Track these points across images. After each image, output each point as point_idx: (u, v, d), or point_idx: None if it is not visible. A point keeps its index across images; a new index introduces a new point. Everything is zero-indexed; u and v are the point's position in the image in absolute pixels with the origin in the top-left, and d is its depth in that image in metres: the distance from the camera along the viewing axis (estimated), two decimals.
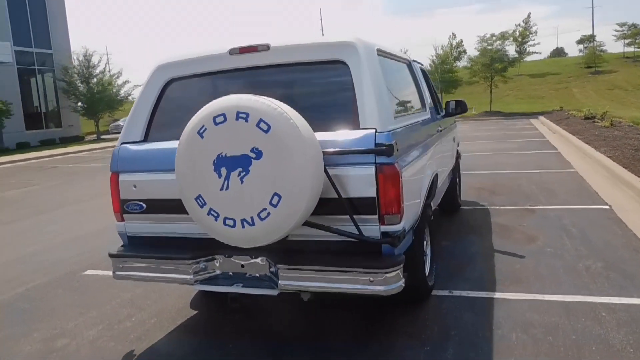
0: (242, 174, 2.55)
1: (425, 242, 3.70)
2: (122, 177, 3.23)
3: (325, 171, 2.63)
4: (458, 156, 6.22)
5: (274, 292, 2.85)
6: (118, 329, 3.58)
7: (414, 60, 4.46)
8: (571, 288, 3.60)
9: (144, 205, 3.17)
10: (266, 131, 2.47)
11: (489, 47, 30.58)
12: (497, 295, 3.59)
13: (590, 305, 3.29)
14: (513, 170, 9.09)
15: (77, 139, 29.59)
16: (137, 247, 3.28)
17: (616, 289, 3.52)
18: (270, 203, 2.51)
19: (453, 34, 36.71)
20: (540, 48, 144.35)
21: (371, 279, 2.64)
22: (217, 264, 3.04)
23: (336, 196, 2.68)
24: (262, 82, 3.20)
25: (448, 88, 37.35)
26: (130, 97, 30.77)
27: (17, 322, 3.82)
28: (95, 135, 30.64)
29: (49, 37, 29.30)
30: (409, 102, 3.83)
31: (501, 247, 4.67)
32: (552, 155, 10.95)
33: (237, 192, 2.57)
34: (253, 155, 2.51)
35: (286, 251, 2.85)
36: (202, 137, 2.61)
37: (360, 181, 2.69)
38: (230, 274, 3.04)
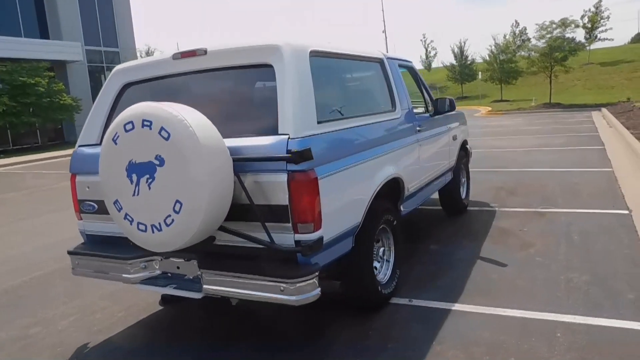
0: (150, 181, 2.55)
1: (382, 248, 3.54)
2: (78, 179, 3.33)
3: (238, 178, 2.57)
4: (464, 155, 5.89)
5: (198, 296, 2.84)
6: (88, 320, 3.72)
7: (391, 59, 4.24)
8: (539, 304, 3.29)
9: (96, 206, 3.26)
10: (167, 139, 2.46)
11: (548, 35, 28.48)
12: (457, 307, 3.36)
13: (549, 324, 3.00)
14: (544, 169, 8.50)
15: None
16: (92, 245, 3.38)
17: (588, 307, 3.19)
18: (174, 209, 2.50)
19: (516, 21, 34.82)
20: (616, 34, 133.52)
21: (282, 287, 2.56)
22: (157, 265, 3.07)
23: (264, 203, 2.64)
24: (199, 86, 3.19)
25: (508, 79, 35.60)
26: None
27: (10, 308, 4.08)
28: None
29: (115, 36, 30.91)
30: (365, 103, 3.66)
31: (489, 253, 4.38)
32: (595, 152, 10.12)
33: (146, 198, 2.58)
34: (157, 162, 2.51)
35: (213, 255, 2.83)
36: (116, 143, 2.64)
37: (273, 188, 2.61)
38: (169, 274, 3.06)
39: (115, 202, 2.71)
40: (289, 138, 2.61)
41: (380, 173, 3.35)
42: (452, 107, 4.78)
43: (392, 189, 3.76)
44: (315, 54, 3.04)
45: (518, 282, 3.70)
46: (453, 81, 46.33)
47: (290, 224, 2.62)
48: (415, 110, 4.52)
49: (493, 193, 6.83)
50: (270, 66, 2.81)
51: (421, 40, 76.11)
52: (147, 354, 3.20)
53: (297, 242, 2.63)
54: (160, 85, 3.37)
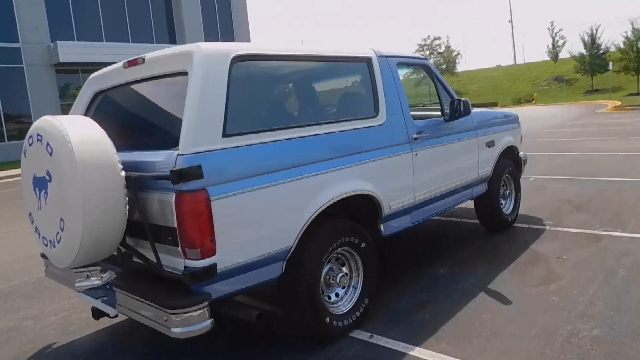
0: (45, 196, 2.43)
1: (339, 275, 3.08)
2: None
3: (134, 194, 2.34)
4: (509, 164, 5.02)
5: (113, 312, 2.71)
6: (71, 318, 3.79)
7: (388, 57, 3.66)
8: None
9: None
10: (51, 154, 2.31)
11: None
12: (416, 352, 2.79)
13: None
14: (638, 179, 7.03)
15: None
16: None
17: None
18: (60, 227, 2.34)
19: None
20: None
21: (165, 317, 2.29)
22: (97, 277, 2.98)
23: (157, 223, 2.40)
24: (135, 96, 3.01)
25: None
26: None
27: (29, 297, 4.32)
28: None
29: (232, 32, 32.70)
30: (324, 111, 3.17)
31: (500, 285, 3.63)
32: None
33: (44, 213, 2.47)
34: (47, 177, 2.37)
35: (135, 272, 2.67)
36: (25, 156, 2.57)
37: (164, 208, 2.35)
38: (108, 286, 2.96)
39: (30, 214, 2.65)
40: (178, 154, 2.32)
41: (328, 190, 2.87)
42: (465, 111, 4.04)
43: (361, 207, 3.26)
44: (244, 59, 2.68)
45: (507, 329, 2.97)
46: (582, 73, 41.45)
47: (179, 248, 2.34)
48: (426, 114, 3.90)
49: (555, 207, 5.78)
50: (186, 74, 2.54)
51: (548, 28, 69.12)
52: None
53: (185, 268, 2.34)
54: (118, 93, 3.28)
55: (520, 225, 5.15)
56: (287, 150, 2.72)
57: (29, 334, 3.58)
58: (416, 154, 3.64)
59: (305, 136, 2.82)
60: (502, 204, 5.08)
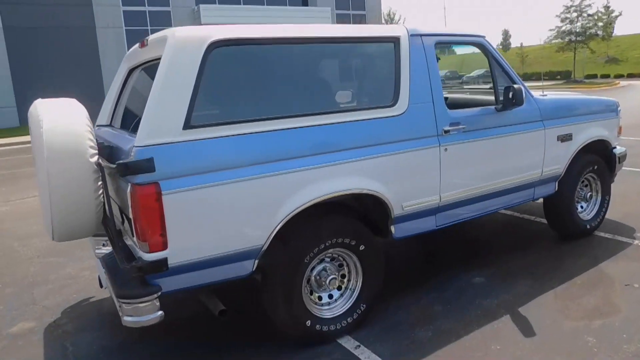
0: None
1: (331, 277, 2.85)
2: None
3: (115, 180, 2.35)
4: (594, 162, 4.12)
5: (104, 287, 2.84)
6: (56, 289, 3.88)
7: (423, 35, 3.13)
8: None
9: None
10: (37, 137, 2.39)
11: None
12: None
13: None
14: None
15: None
16: None
17: None
18: (45, 202, 2.45)
19: None
20: None
21: (119, 305, 2.31)
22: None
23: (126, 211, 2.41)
24: (143, 77, 2.98)
25: None
26: None
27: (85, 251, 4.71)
28: None
29: (364, 0, 31.92)
30: (324, 99, 2.78)
31: (530, 310, 3.04)
32: None
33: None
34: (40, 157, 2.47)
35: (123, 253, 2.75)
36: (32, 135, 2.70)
37: (125, 198, 2.33)
38: None
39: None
40: (133, 145, 2.25)
41: (310, 188, 2.59)
42: (515, 101, 3.32)
43: (371, 206, 2.93)
44: (226, 43, 2.47)
45: None
46: None
47: (136, 239, 2.31)
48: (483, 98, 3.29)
49: None
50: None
51: None
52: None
53: (138, 259, 2.32)
54: (137, 73, 3.32)
55: (602, 234, 4.27)
56: (260, 143, 2.48)
57: (80, 284, 3.97)
58: (446, 149, 3.13)
59: (285, 129, 2.55)
60: (580, 207, 4.25)
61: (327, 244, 2.75)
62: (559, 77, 39.87)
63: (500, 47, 50.26)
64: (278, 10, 27.93)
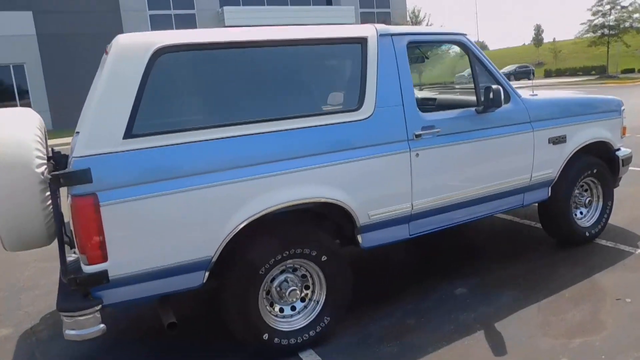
0: None
1: (291, 289, 2.73)
2: None
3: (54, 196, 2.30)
4: (592, 165, 3.85)
5: None
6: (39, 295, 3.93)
7: (394, 35, 2.97)
8: None
9: None
10: None
11: None
12: None
13: None
14: None
15: None
16: None
17: None
18: None
19: None
20: None
21: (62, 317, 2.26)
22: None
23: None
24: None
25: None
26: (450, 51, 30.41)
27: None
28: None
29: None
30: (273, 104, 2.65)
31: (508, 326, 2.84)
32: None
33: None
34: None
35: None
36: None
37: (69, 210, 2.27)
38: None
39: None
40: (72, 156, 2.20)
41: (260, 198, 2.48)
42: (494, 102, 3.10)
43: (336, 215, 2.80)
44: (174, 50, 2.39)
45: None
46: None
47: (78, 251, 2.26)
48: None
49: None
50: None
51: None
52: None
53: (78, 271, 2.27)
54: None
55: (604, 242, 3.99)
56: (207, 152, 2.39)
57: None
58: (417, 154, 2.96)
59: (234, 136, 2.45)
60: (579, 213, 3.98)
61: (284, 255, 2.63)
62: (593, 72, 38.28)
63: (532, 42, 48.72)
64: (302, 11, 27.92)
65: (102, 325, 2.26)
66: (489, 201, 3.36)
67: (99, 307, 2.25)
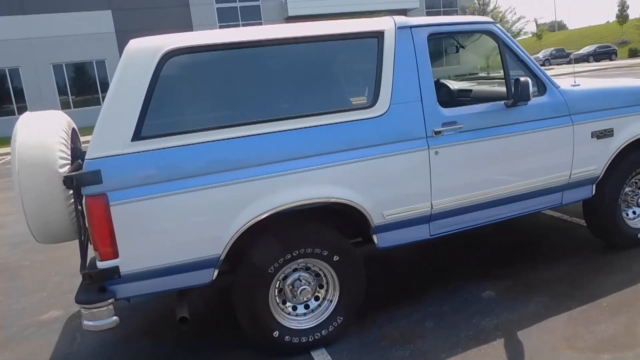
0: None
1: (302, 287, 2.73)
2: None
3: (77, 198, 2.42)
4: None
5: None
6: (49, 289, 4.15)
7: (422, 26, 2.83)
8: None
9: None
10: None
11: None
12: None
13: None
14: None
15: None
16: None
17: None
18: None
19: None
20: None
21: (82, 311, 2.41)
22: None
23: None
24: None
25: None
26: (521, 33, 28.70)
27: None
28: None
29: None
30: (286, 104, 2.60)
31: (531, 335, 2.65)
32: None
33: None
34: None
35: None
36: None
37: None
38: None
39: None
40: (84, 158, 2.32)
41: (268, 198, 2.47)
42: (522, 95, 2.85)
43: (350, 215, 2.75)
44: (183, 52, 2.43)
45: None
46: None
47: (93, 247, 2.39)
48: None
49: None
50: None
51: None
52: None
53: (91, 267, 2.40)
54: None
55: None
56: (213, 153, 2.42)
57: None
58: (437, 152, 2.81)
59: (242, 137, 2.46)
60: (632, 213, 3.62)
61: (294, 254, 2.63)
62: None
63: (616, 20, 44.58)
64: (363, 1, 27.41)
65: (115, 318, 2.38)
66: (520, 201, 3.14)
67: (112, 300, 2.37)
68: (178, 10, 24.80)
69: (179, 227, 2.40)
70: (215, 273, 2.53)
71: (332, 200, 2.61)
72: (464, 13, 29.39)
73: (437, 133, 2.82)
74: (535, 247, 3.92)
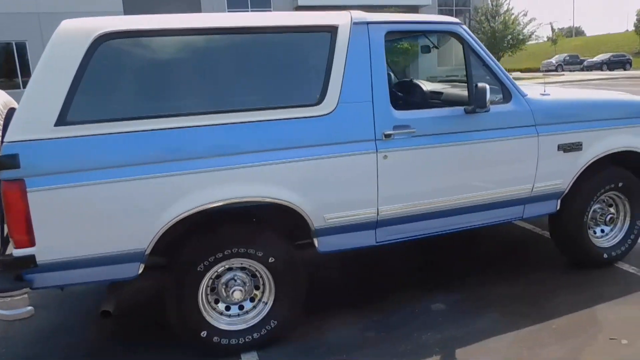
0: None
1: (234, 288, 2.61)
2: None
3: None
4: (620, 178, 3.31)
5: None
6: None
7: (380, 23, 2.68)
8: None
9: None
10: None
11: None
12: None
13: None
14: None
15: None
16: None
17: None
18: None
19: None
20: None
21: None
22: None
23: None
24: None
25: None
26: (533, 36, 28.20)
27: None
28: None
29: None
30: (220, 96, 2.47)
31: (470, 355, 2.52)
32: None
33: None
34: None
35: None
36: None
37: None
38: None
39: None
40: (2, 142, 2.21)
41: (197, 194, 2.36)
42: (478, 102, 2.71)
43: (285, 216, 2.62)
44: (117, 36, 2.31)
45: None
46: None
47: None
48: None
49: None
50: None
51: None
52: None
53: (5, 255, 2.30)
54: None
55: (627, 267, 3.45)
56: (143, 143, 2.30)
57: None
58: (385, 156, 2.68)
59: (172, 128, 2.34)
60: (600, 231, 3.47)
61: (226, 253, 2.51)
62: None
63: (635, 29, 43.65)
64: None
65: (30, 308, 2.28)
66: (477, 212, 3.00)
67: (27, 290, 2.27)
68: None
69: (101, 219, 2.29)
70: (141, 267, 2.43)
71: (268, 200, 2.49)
72: (477, 13, 28.95)
73: (387, 136, 2.68)
74: (502, 259, 3.77)
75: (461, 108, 2.87)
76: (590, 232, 3.43)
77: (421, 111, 2.83)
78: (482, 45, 2.96)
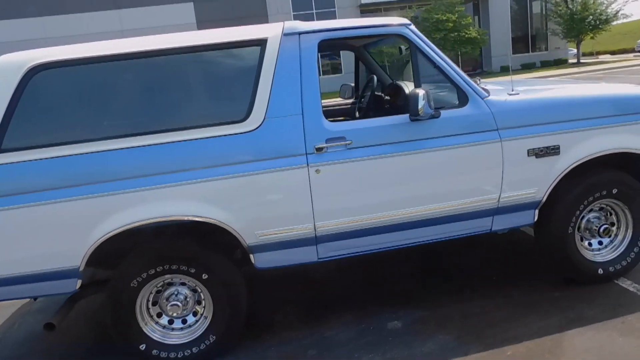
0: None
1: (169, 303, 2.67)
2: None
3: None
4: (614, 184, 2.89)
5: None
6: None
7: (313, 32, 2.58)
8: None
9: None
10: None
11: None
12: None
13: None
14: None
15: (560, 62, 27.46)
16: None
17: None
18: None
19: None
20: None
21: None
22: None
23: None
24: None
25: None
26: (619, 14, 25.34)
27: None
28: (576, 59, 27.24)
29: None
30: (152, 117, 2.50)
31: None
32: None
33: None
34: None
35: None
36: None
37: None
38: None
39: None
40: None
41: (123, 213, 2.43)
42: (411, 110, 2.48)
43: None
44: (51, 66, 2.46)
45: None
46: None
47: None
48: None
49: None
50: None
51: None
52: None
53: None
54: None
55: (628, 284, 3.01)
56: (70, 166, 2.42)
57: None
58: (317, 170, 2.57)
59: (97, 152, 2.43)
60: (597, 244, 3.07)
61: (158, 270, 2.57)
62: None
63: None
64: None
65: None
66: (432, 225, 2.78)
67: None
68: (254, 0, 25.39)
69: (31, 239, 2.45)
70: (79, 283, 2.56)
71: (192, 218, 2.51)
72: None
73: (319, 149, 2.57)
74: (486, 271, 3.46)
75: (406, 115, 2.67)
76: (585, 244, 3.05)
77: (357, 122, 2.71)
78: (433, 46, 2.73)
